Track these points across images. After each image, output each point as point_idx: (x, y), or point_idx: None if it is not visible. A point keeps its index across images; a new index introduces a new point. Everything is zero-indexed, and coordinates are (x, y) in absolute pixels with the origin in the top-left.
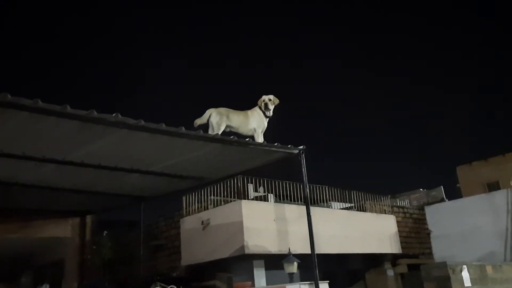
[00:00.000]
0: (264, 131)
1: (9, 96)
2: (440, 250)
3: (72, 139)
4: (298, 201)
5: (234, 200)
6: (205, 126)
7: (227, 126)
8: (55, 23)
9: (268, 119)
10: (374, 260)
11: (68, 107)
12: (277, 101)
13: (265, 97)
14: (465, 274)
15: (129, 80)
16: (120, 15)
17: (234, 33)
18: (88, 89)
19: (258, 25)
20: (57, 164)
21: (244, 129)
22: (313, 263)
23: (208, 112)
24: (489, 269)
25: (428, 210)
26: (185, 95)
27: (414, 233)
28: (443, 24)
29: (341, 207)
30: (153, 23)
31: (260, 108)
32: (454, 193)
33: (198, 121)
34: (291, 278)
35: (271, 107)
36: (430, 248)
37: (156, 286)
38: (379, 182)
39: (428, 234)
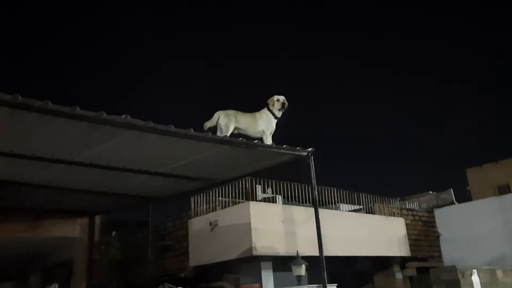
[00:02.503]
0: (272, 132)
1: (20, 97)
2: (449, 254)
3: (81, 140)
4: (306, 202)
5: (242, 202)
6: (214, 128)
7: (235, 128)
8: (59, 23)
9: (276, 120)
10: (382, 263)
11: (78, 109)
12: (286, 103)
13: (279, 97)
14: (475, 278)
15: (134, 80)
16: (124, 15)
17: (237, 33)
18: (92, 89)
19: (261, 24)
20: (66, 165)
21: (252, 131)
22: (321, 266)
23: (216, 114)
24: (499, 273)
25: (438, 213)
26: (192, 96)
27: (423, 236)
28: (458, 17)
29: (350, 209)
30: (156, 23)
31: (269, 109)
32: (464, 196)
33: (208, 124)
34: (299, 281)
35: (286, 106)
36: (439, 251)
37: (164, 287)
38: (388, 184)
39: (438, 237)
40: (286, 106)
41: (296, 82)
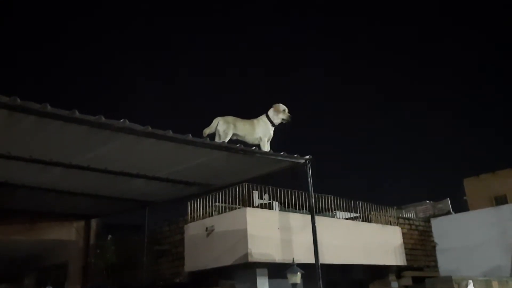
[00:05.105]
0: (270, 139)
1: (18, 100)
2: (445, 263)
3: (79, 144)
4: (303, 209)
5: (238, 207)
6: (212, 134)
7: (233, 135)
8: (55, 25)
9: (274, 127)
10: (378, 272)
11: (76, 112)
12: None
13: (282, 106)
14: None
15: (132, 84)
16: (123, 16)
17: (235, 41)
18: (91, 92)
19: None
20: (64, 168)
21: (250, 138)
22: (317, 274)
23: (215, 120)
24: (495, 284)
25: (434, 222)
26: (191, 100)
27: (420, 245)
28: (463, 26)
29: (346, 217)
30: (152, 29)
31: (267, 115)
32: (460, 206)
33: (207, 131)
34: None
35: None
36: (435, 261)
37: None
38: (385, 193)
39: (434, 246)
40: (288, 119)
41: (294, 86)
